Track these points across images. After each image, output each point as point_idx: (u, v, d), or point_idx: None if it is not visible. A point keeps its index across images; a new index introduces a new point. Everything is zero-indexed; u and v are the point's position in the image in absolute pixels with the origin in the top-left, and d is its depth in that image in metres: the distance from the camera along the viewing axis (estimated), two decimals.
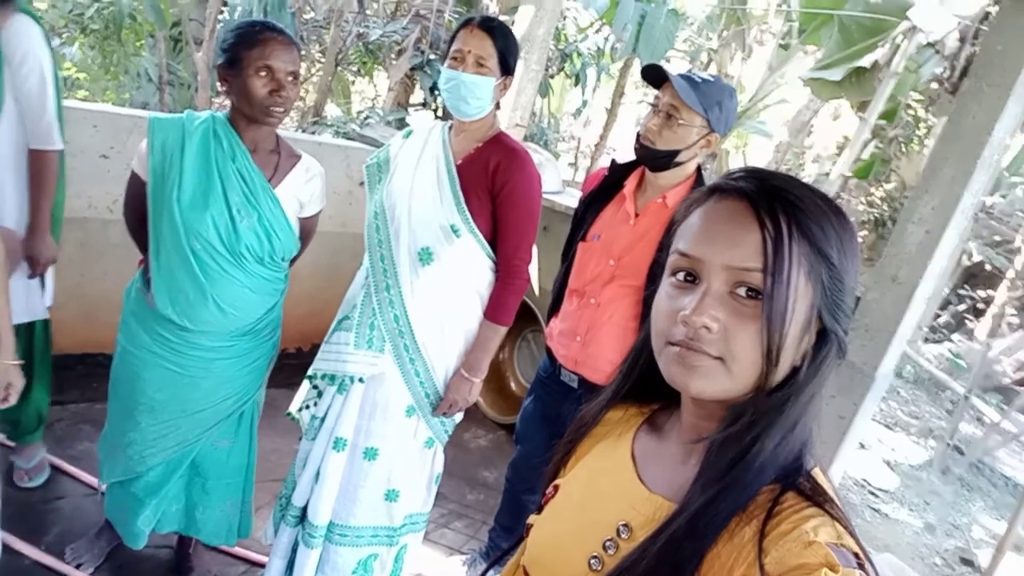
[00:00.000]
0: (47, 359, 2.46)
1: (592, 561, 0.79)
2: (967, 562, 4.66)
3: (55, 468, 2.64)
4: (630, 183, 2.12)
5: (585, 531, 0.82)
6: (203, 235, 1.80)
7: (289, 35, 1.81)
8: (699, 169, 2.09)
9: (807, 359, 0.73)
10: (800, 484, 0.71)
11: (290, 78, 1.79)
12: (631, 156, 2.12)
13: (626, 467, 0.84)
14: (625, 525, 0.78)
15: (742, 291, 0.71)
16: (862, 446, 5.67)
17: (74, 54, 6.21)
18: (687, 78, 1.95)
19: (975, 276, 9.72)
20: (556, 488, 0.92)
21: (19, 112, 2.10)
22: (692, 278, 0.74)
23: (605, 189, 2.17)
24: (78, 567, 2.23)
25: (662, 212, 2.02)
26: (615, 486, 0.84)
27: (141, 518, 2.05)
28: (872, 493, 5.15)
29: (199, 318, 1.87)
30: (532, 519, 0.92)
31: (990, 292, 9.26)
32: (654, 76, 2.00)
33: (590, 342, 2.14)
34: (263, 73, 1.75)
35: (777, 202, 0.71)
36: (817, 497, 0.70)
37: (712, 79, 1.98)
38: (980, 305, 9.26)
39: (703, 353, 0.71)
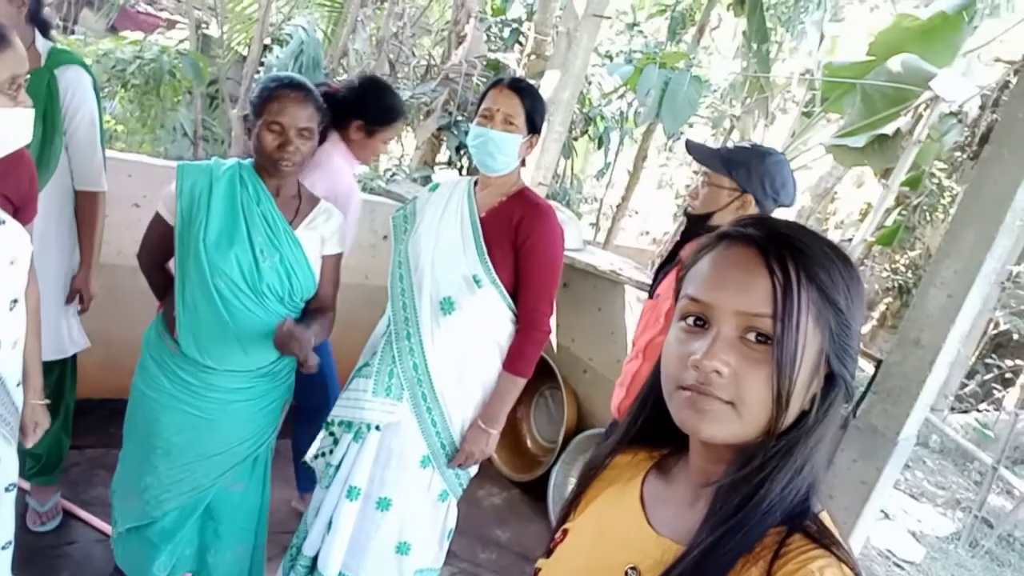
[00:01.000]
0: (72, 396, 2.52)
1: None
2: None
3: (67, 513, 2.64)
4: (688, 249, 2.14)
5: (593, 574, 0.82)
6: (227, 273, 1.84)
7: (309, 91, 1.87)
8: None
9: (816, 403, 0.74)
10: (807, 526, 0.72)
11: (303, 134, 1.84)
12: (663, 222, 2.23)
13: (635, 511, 0.85)
14: (633, 568, 0.78)
15: (752, 336, 0.72)
16: (886, 516, 5.51)
17: (114, 107, 6.41)
18: (723, 148, 2.08)
19: (1002, 346, 9.55)
20: (565, 532, 0.92)
21: (67, 157, 2.24)
22: (702, 323, 0.75)
23: (675, 254, 2.24)
24: None
25: None
26: (624, 530, 0.84)
27: (156, 564, 2.05)
28: (897, 565, 4.98)
29: (221, 356, 1.90)
30: (541, 563, 0.92)
31: (1018, 361, 9.08)
32: (687, 148, 2.11)
33: (631, 393, 2.17)
34: (274, 127, 1.82)
35: (786, 249, 0.73)
36: (824, 539, 0.71)
37: (747, 145, 2.11)
38: (1008, 375, 9.07)
39: (714, 397, 0.72)
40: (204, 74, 5.95)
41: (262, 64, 6.83)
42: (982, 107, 5.42)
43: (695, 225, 2.11)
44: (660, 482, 0.87)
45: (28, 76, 1.50)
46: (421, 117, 6.98)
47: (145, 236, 2.02)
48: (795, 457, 0.72)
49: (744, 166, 2.00)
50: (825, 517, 0.74)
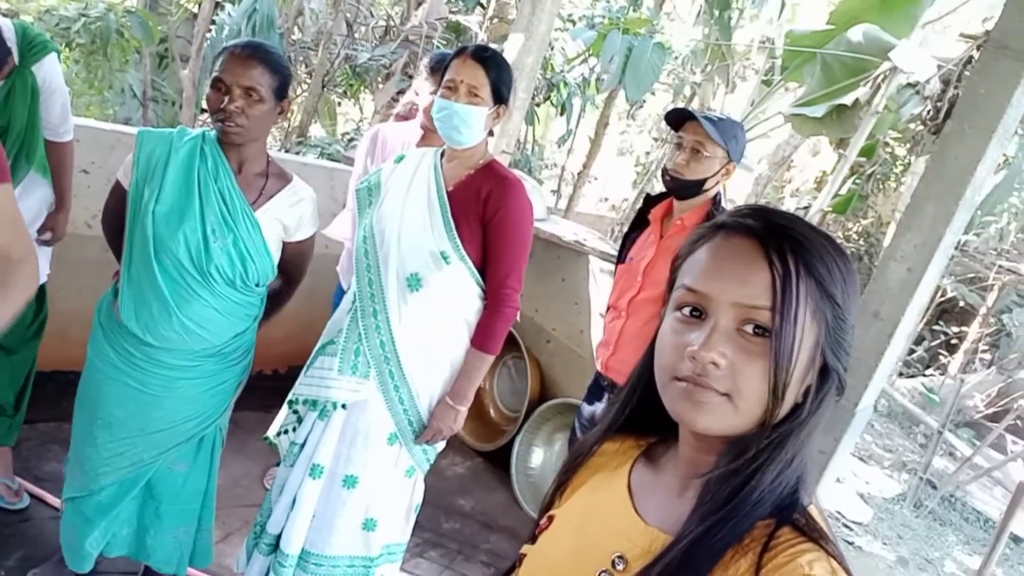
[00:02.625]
0: (43, 322, 2.54)
1: None
2: None
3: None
4: (656, 211, 2.35)
5: (579, 562, 0.81)
6: (172, 251, 1.77)
7: (262, 52, 1.78)
8: (717, 194, 2.29)
9: (810, 396, 0.74)
10: (795, 519, 0.72)
11: (249, 94, 1.75)
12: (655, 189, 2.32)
13: (622, 499, 0.84)
14: (620, 557, 0.78)
15: (749, 328, 0.71)
16: (837, 479, 5.69)
17: None
18: (707, 117, 2.20)
19: (948, 312, 9.86)
20: (551, 519, 0.91)
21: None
22: (699, 313, 0.74)
23: (641, 218, 2.42)
24: None
25: (681, 232, 2.24)
26: (611, 518, 0.83)
27: (89, 540, 1.98)
28: (846, 526, 5.15)
29: (162, 334, 1.84)
30: (525, 549, 0.91)
31: (963, 328, 9.39)
32: (678, 117, 2.25)
33: (618, 349, 2.33)
34: (219, 87, 1.75)
35: (785, 241, 0.72)
36: (812, 533, 0.71)
37: (724, 117, 2.27)
38: (953, 341, 9.38)
39: (711, 389, 0.71)
40: (154, 33, 5.73)
41: (213, 23, 6.60)
42: (945, 82, 5.50)
43: (687, 190, 2.23)
44: (648, 471, 0.86)
45: None
46: (380, 80, 6.84)
47: (106, 202, 1.96)
48: (787, 449, 0.72)
49: (733, 138, 2.19)
50: (813, 510, 0.74)
